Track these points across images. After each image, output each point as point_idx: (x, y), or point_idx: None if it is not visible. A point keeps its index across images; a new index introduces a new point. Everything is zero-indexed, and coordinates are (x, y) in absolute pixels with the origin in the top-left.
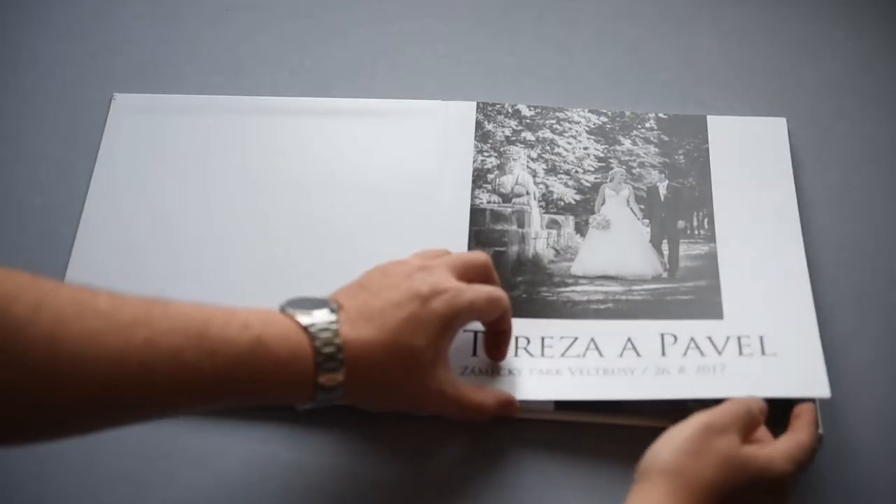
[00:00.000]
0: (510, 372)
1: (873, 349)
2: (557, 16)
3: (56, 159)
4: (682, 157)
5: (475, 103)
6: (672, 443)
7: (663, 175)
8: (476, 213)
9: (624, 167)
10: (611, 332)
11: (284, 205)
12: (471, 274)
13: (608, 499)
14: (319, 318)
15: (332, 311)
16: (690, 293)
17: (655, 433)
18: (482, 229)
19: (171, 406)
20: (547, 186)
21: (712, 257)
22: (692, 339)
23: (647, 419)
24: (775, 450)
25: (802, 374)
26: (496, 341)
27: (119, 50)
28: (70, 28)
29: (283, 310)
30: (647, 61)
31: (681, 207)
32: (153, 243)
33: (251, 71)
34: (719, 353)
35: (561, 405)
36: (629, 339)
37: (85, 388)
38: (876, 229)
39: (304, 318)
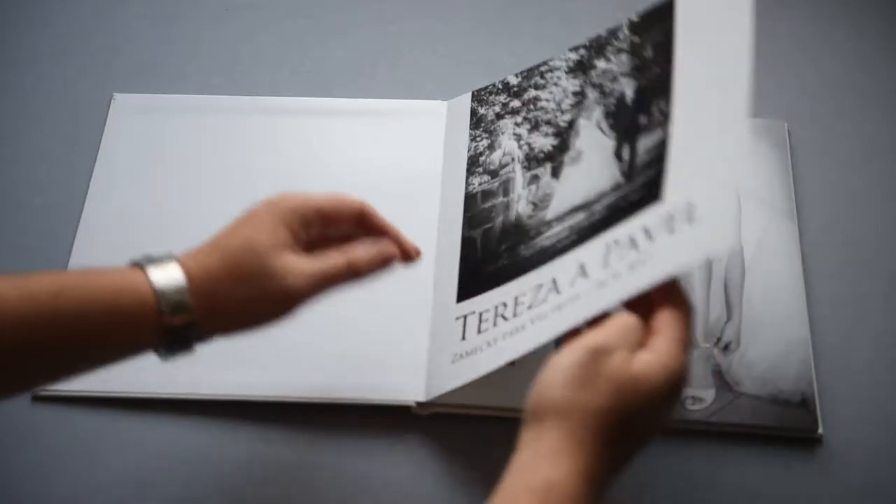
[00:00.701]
0: (488, 344)
1: (873, 350)
2: (557, 16)
3: (56, 159)
4: (649, 52)
5: (469, 94)
6: (559, 374)
7: (631, 79)
8: (469, 200)
9: (598, 90)
10: (567, 265)
11: None
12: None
13: (607, 497)
14: (153, 251)
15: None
16: (641, 189)
17: None
18: (474, 213)
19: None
20: (530, 145)
21: (664, 143)
22: (630, 237)
23: None
24: (665, 348)
25: (716, 232)
26: (386, 240)
27: (119, 50)
28: (70, 28)
29: None
30: None
31: (644, 103)
32: (153, 243)
33: (251, 71)
34: (652, 240)
35: None
36: (581, 266)
37: None
38: (876, 229)
39: (138, 256)
